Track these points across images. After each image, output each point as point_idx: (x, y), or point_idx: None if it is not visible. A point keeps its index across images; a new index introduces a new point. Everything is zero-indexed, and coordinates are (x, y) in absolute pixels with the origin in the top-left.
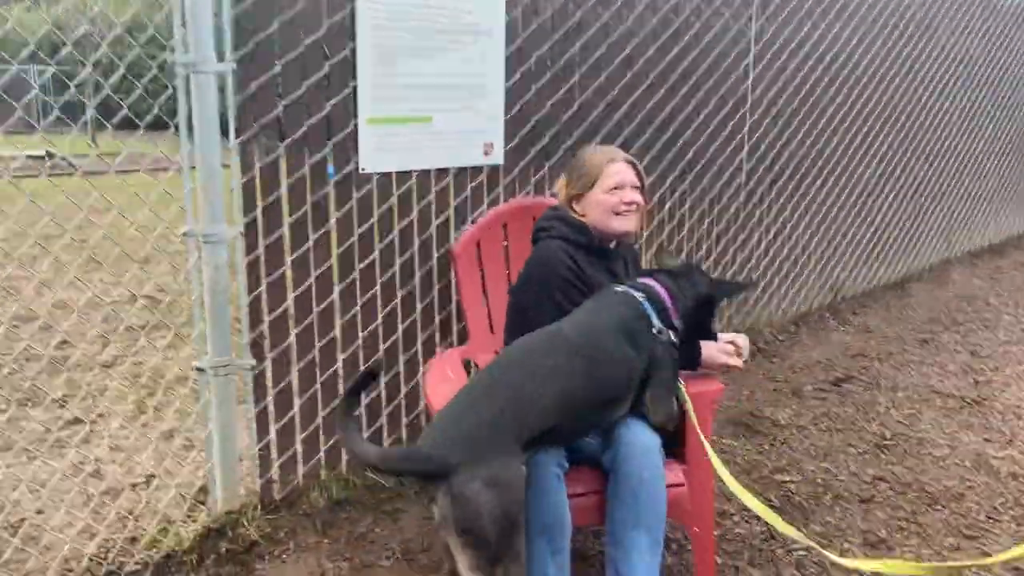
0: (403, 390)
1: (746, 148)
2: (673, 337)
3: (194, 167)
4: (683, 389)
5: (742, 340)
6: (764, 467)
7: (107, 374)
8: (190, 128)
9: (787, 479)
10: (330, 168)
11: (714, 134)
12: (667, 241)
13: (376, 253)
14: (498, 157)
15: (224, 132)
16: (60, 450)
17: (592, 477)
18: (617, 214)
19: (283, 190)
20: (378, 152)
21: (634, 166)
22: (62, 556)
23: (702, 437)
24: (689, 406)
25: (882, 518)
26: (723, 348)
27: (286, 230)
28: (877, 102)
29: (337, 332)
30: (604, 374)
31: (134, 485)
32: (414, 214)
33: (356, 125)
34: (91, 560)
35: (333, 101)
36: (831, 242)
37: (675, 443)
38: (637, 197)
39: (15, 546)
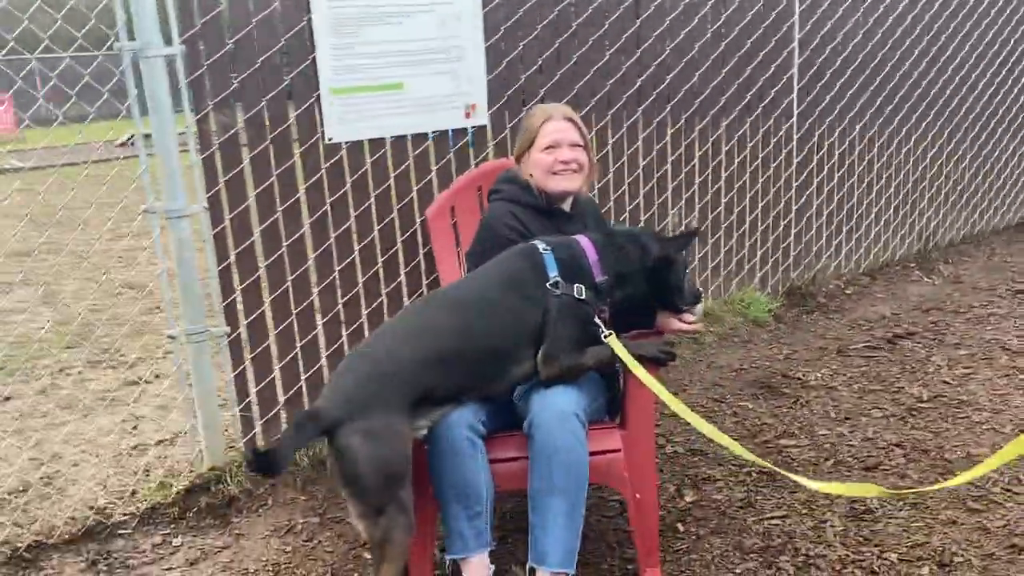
0: None
1: (796, 86)
2: (582, 294)
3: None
4: (625, 351)
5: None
6: (771, 431)
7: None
8: (143, 110)
9: (791, 443)
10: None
11: (754, 75)
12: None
13: (352, 221)
14: (481, 118)
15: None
16: (113, 407)
17: (521, 442)
18: (554, 173)
19: (246, 163)
20: (344, 122)
21: (575, 123)
22: (72, 505)
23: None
24: (639, 370)
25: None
26: (673, 318)
27: (252, 202)
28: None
29: (316, 299)
30: (485, 328)
31: (160, 442)
32: (391, 180)
33: (319, 96)
34: (91, 509)
35: (292, 74)
36: (917, 186)
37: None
38: (575, 155)
39: (41, 494)
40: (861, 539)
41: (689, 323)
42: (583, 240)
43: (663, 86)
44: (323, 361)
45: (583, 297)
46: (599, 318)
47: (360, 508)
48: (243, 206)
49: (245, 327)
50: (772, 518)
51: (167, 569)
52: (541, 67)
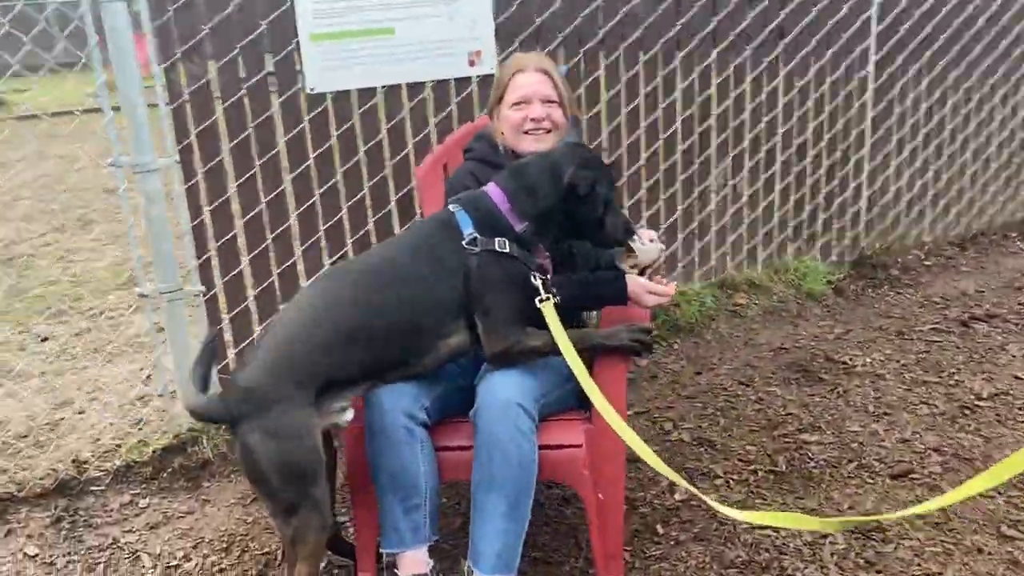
0: None
1: (874, 29)
2: (507, 248)
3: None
4: (558, 324)
5: (649, 247)
6: (794, 423)
7: None
8: (104, 60)
9: (813, 439)
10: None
11: (823, 16)
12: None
13: (339, 176)
14: (488, 66)
15: None
16: (135, 355)
17: (471, 430)
18: (525, 132)
19: (220, 114)
20: (327, 71)
21: (549, 75)
22: (59, 456)
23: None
24: (575, 361)
25: (902, 500)
26: (650, 288)
27: (226, 156)
28: None
29: (299, 259)
30: (395, 300)
31: (162, 395)
32: (383, 134)
33: (297, 43)
34: (72, 462)
35: (268, 20)
36: None
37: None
38: (548, 111)
39: (38, 441)
40: (862, 563)
41: (660, 293)
42: (491, 189)
43: (710, 27)
44: None
45: (507, 251)
46: (540, 279)
47: (270, 507)
48: (216, 160)
49: (222, 287)
50: (766, 527)
51: (127, 531)
52: (557, 10)
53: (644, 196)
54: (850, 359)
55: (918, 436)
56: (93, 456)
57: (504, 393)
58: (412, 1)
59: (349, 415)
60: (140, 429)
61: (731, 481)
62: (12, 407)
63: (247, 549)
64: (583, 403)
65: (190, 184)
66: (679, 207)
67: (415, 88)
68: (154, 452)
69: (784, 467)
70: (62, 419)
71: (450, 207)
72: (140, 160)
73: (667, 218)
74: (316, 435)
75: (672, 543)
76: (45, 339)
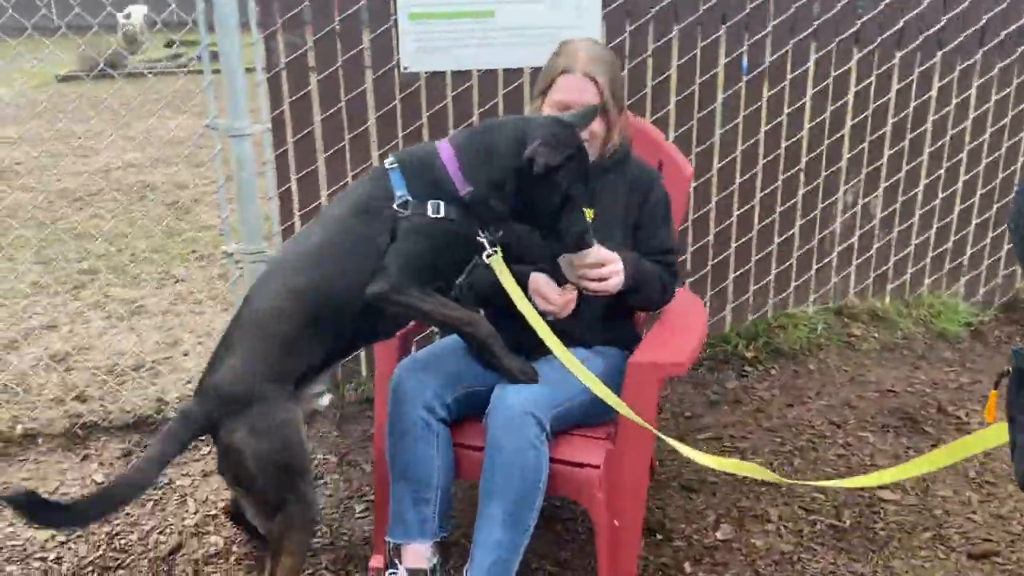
0: None
1: None
2: (441, 211)
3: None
4: (509, 276)
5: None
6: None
7: None
8: (209, 25)
9: (891, 498)
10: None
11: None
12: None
13: None
14: None
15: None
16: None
17: None
18: None
19: (313, 85)
20: (423, 50)
21: (595, 81)
22: (153, 392)
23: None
24: (523, 302)
25: None
26: (542, 289)
27: (317, 127)
28: None
29: None
30: (341, 276)
31: None
32: (475, 117)
33: (396, 20)
34: (158, 400)
35: None
36: None
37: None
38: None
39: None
40: None
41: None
42: (443, 146)
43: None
44: None
45: (442, 215)
46: (486, 237)
47: (255, 507)
48: (307, 130)
49: None
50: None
51: (183, 475)
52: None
53: (758, 204)
54: (966, 414)
55: (1017, 516)
56: (177, 398)
57: (516, 399)
58: None
59: (326, 400)
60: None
61: (783, 528)
62: (130, 341)
63: None
64: (612, 411)
65: (280, 152)
66: (797, 220)
67: (512, 74)
68: None
69: (848, 522)
70: (167, 358)
71: (387, 163)
72: (234, 124)
73: (783, 231)
74: (301, 429)
75: None
76: (179, 281)
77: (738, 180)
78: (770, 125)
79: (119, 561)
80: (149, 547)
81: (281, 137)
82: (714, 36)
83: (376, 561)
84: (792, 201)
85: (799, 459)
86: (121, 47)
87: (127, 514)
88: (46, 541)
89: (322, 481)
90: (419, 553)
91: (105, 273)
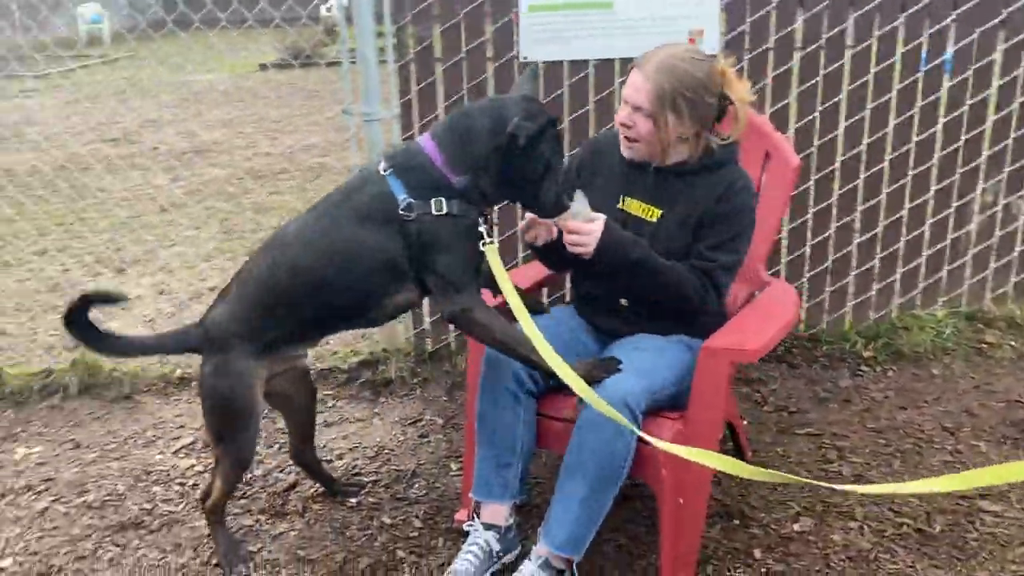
0: None
1: None
2: (444, 207)
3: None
4: (500, 267)
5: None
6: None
7: None
8: (348, 18)
9: (992, 508)
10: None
11: None
12: None
13: None
14: (710, 46)
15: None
16: None
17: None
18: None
19: (438, 74)
20: (542, 41)
21: (651, 83)
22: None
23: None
24: (512, 295)
25: None
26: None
27: (441, 113)
28: None
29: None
30: (329, 267)
31: None
32: (590, 105)
33: (516, 12)
34: None
35: None
36: None
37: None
38: (633, 120)
39: None
40: None
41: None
42: (424, 140)
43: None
44: None
45: (446, 211)
46: (484, 226)
47: (205, 429)
48: (432, 116)
49: None
50: None
51: None
52: None
53: (884, 200)
54: None
55: None
56: (315, 353)
57: (613, 387)
58: None
59: (306, 359)
60: (364, 338)
61: (866, 527)
62: None
63: (388, 462)
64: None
65: (407, 136)
66: (927, 219)
67: (628, 63)
68: (352, 364)
69: (938, 528)
70: None
71: (381, 168)
72: (367, 110)
73: (911, 229)
74: (250, 383)
75: (763, 571)
76: None
77: (862, 175)
78: (900, 119)
79: (243, 492)
80: (269, 483)
81: (408, 122)
82: (840, 27)
83: (461, 515)
84: (923, 198)
85: (899, 462)
86: (323, 38)
87: (256, 454)
88: (186, 469)
89: (427, 440)
90: (498, 512)
91: None
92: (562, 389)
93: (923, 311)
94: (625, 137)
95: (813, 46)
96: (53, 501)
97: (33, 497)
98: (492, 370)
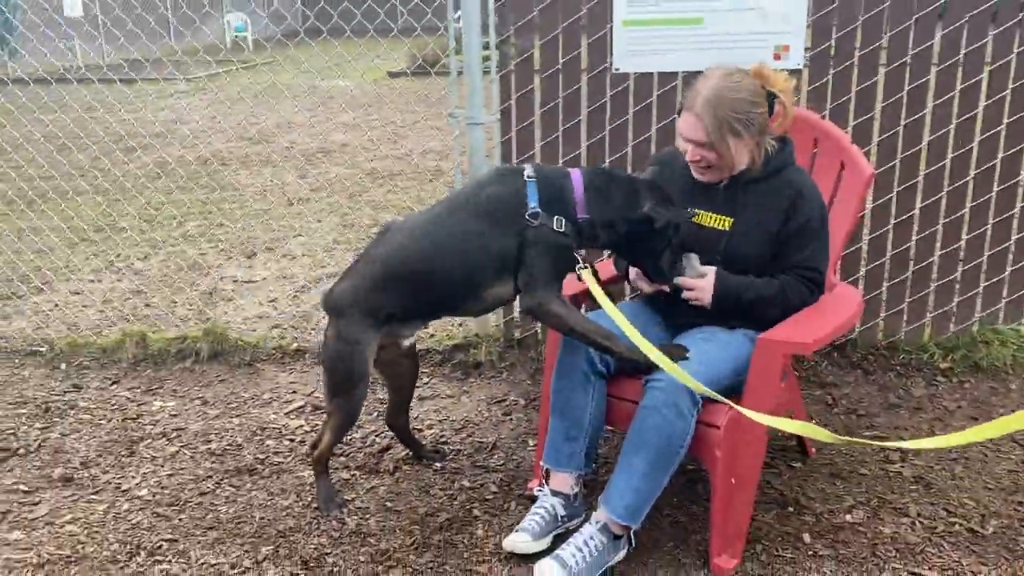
0: None
1: None
2: (563, 227)
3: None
4: (599, 289)
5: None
6: None
7: None
8: (456, 30)
9: None
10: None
11: None
12: None
13: (628, 149)
14: (795, 61)
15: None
16: None
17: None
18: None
19: (536, 83)
20: (633, 54)
21: (701, 119)
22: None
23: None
24: (605, 300)
25: None
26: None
27: (537, 119)
28: None
29: None
30: (450, 254)
31: None
32: (677, 116)
33: (611, 27)
34: None
35: (588, 5)
36: None
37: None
38: (700, 154)
39: None
40: None
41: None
42: (574, 174)
43: None
44: None
45: (563, 230)
46: (580, 255)
47: (325, 386)
48: (528, 121)
49: None
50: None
51: None
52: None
53: (968, 214)
54: None
55: None
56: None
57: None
58: None
59: (409, 340)
60: (459, 325)
61: (918, 523)
62: None
63: (472, 435)
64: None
65: (505, 139)
66: (1013, 234)
67: None
68: (446, 346)
69: (990, 531)
70: None
71: (526, 175)
72: (471, 114)
73: (995, 244)
74: (364, 351)
75: (810, 554)
76: None
77: (946, 188)
78: (986, 135)
79: (342, 450)
80: (367, 444)
81: (507, 126)
82: (925, 45)
83: (533, 484)
84: (1008, 214)
85: (961, 467)
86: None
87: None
88: (295, 428)
89: (508, 417)
90: (565, 480)
91: None
92: (631, 373)
93: (1006, 326)
94: (697, 168)
95: (898, 62)
96: (182, 447)
97: (166, 442)
98: (567, 353)
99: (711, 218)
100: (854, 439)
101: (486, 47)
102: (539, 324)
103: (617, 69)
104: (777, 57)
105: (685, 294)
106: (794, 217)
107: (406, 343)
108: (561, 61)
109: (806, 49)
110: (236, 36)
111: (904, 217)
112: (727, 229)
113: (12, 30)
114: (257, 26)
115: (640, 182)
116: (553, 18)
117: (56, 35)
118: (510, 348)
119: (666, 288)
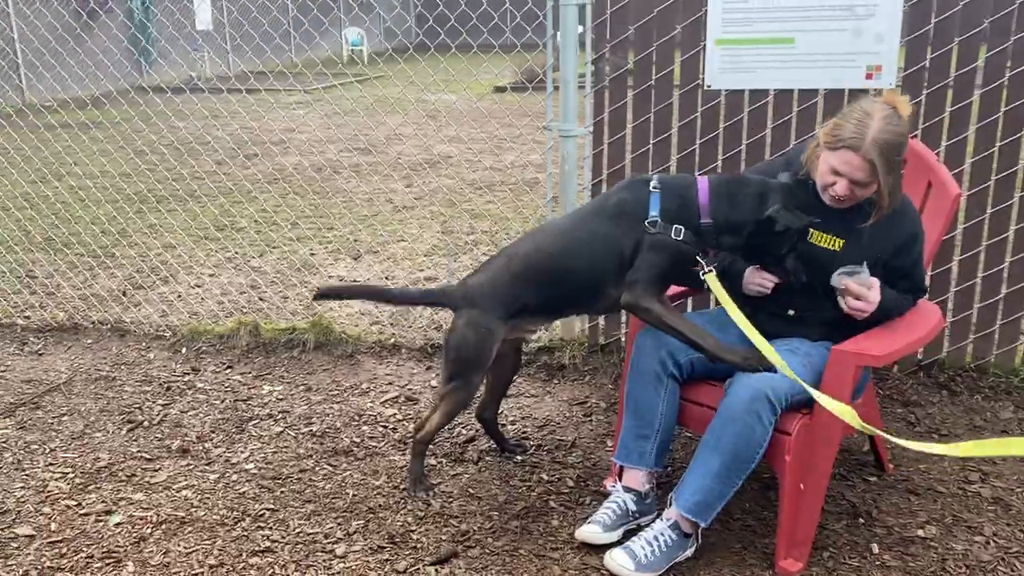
0: None
1: None
2: (681, 235)
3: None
4: (725, 295)
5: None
6: None
7: None
8: (554, 47)
9: None
10: None
11: None
12: None
13: (718, 164)
14: (887, 81)
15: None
16: None
17: (718, 395)
18: (825, 191)
19: (629, 98)
20: (726, 71)
21: (874, 166)
22: None
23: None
24: (736, 313)
25: None
26: (760, 275)
27: (628, 133)
28: None
29: None
30: (579, 255)
31: None
32: (767, 131)
33: (704, 45)
34: None
35: (682, 24)
36: None
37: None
38: (850, 193)
39: None
40: None
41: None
42: (701, 181)
43: None
44: None
45: (681, 238)
46: (702, 258)
47: (442, 370)
48: (620, 135)
49: None
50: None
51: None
52: (984, 31)
53: None
54: None
55: None
56: None
57: (759, 383)
58: (820, 15)
59: (535, 336)
60: (545, 329)
61: (992, 543)
62: None
63: (553, 433)
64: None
65: (597, 151)
66: None
67: (806, 94)
68: (532, 349)
69: None
70: None
71: (651, 186)
72: (565, 127)
73: None
74: (493, 339)
75: (877, 564)
76: None
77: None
78: None
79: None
80: (454, 435)
81: (599, 138)
82: None
83: (608, 481)
84: None
85: None
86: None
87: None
88: (389, 416)
89: (589, 419)
90: (636, 477)
91: (486, 245)
92: (708, 378)
93: None
94: (836, 201)
95: (995, 83)
96: (286, 428)
97: (272, 423)
98: (639, 352)
99: (822, 237)
100: (874, 430)
101: (589, 63)
102: (623, 331)
103: (709, 86)
104: (869, 77)
105: (850, 302)
106: (908, 253)
107: (532, 338)
108: (654, 77)
109: (899, 68)
110: (352, 50)
111: (997, 239)
112: (838, 250)
113: (152, 42)
114: (371, 40)
115: (772, 184)
116: (648, 36)
117: (189, 46)
118: (594, 353)
119: (767, 288)
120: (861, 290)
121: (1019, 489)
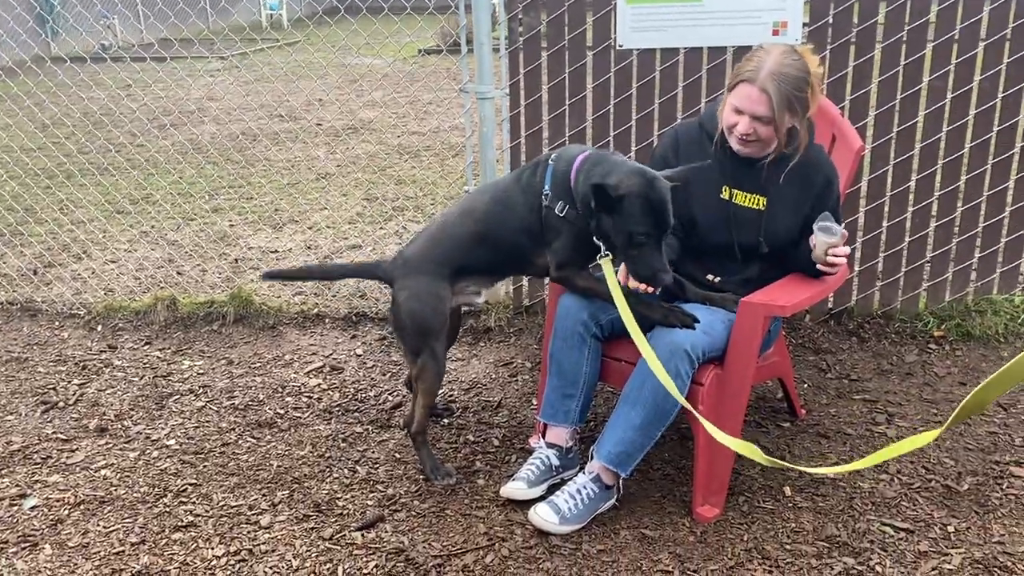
0: None
1: None
2: (564, 212)
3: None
4: (612, 276)
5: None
6: (1016, 455)
7: None
8: (467, 8)
9: (1020, 474)
10: None
11: None
12: None
13: (632, 123)
14: (793, 36)
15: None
16: None
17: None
18: (731, 134)
19: (543, 59)
20: (637, 30)
21: (769, 95)
22: None
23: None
24: (621, 300)
25: None
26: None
27: (544, 95)
28: None
29: None
30: (501, 220)
31: None
32: (678, 90)
33: (615, 5)
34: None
35: None
36: None
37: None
38: (753, 129)
39: None
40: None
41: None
42: (579, 157)
43: None
44: None
45: (564, 214)
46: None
47: (403, 349)
48: (536, 96)
49: None
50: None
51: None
52: None
53: (963, 186)
54: None
55: None
56: None
57: (678, 339)
58: None
59: (480, 298)
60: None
61: (896, 480)
62: None
63: (479, 395)
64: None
65: (514, 113)
66: (1008, 205)
67: (716, 52)
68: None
69: (965, 487)
70: None
71: (550, 159)
72: (481, 89)
73: (990, 215)
74: (445, 303)
75: (789, 506)
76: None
77: (941, 160)
78: (981, 108)
79: (357, 407)
80: (380, 402)
81: (515, 101)
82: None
83: (533, 439)
84: (1002, 185)
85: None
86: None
87: (371, 379)
88: (314, 387)
89: (515, 379)
90: (560, 434)
91: (412, 211)
92: (627, 335)
93: (1000, 295)
94: (742, 141)
95: (894, 38)
96: (208, 402)
97: (193, 398)
98: (562, 314)
99: (745, 197)
100: (781, 463)
101: (502, 24)
102: (546, 292)
103: (620, 46)
104: (776, 33)
105: (829, 259)
106: (827, 198)
107: (478, 300)
108: (567, 38)
109: (804, 24)
110: (271, 14)
111: (900, 189)
112: (762, 209)
113: (51, 10)
114: (298, 3)
115: (626, 164)
116: None
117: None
118: (519, 315)
119: (650, 289)
120: (846, 250)
121: (922, 428)
